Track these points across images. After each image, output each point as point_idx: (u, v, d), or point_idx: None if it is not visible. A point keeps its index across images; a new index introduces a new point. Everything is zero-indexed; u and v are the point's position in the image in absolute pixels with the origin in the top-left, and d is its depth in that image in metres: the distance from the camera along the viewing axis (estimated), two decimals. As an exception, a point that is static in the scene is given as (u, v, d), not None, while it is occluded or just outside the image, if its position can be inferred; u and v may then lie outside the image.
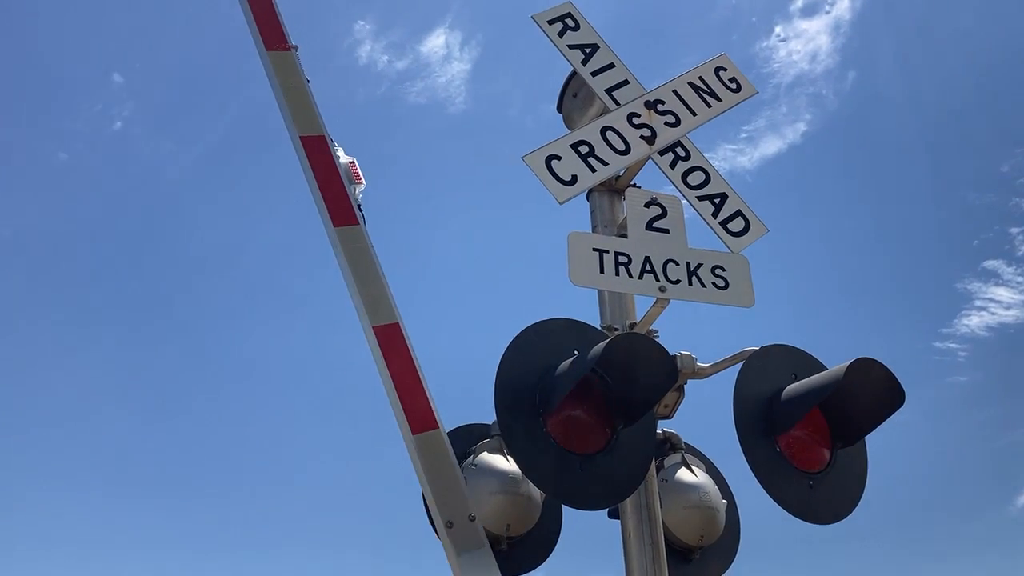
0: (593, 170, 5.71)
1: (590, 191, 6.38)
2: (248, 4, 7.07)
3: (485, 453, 5.74)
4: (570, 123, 7.10)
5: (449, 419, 6.30)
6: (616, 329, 5.82)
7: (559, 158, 5.62)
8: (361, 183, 6.98)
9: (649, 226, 5.67)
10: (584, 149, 5.75)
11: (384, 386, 6.25)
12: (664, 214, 5.75)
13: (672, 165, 6.27)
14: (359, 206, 6.84)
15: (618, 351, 4.71)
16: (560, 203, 5.54)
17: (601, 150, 5.81)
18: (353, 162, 7.03)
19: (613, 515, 5.61)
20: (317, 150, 6.81)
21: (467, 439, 6.19)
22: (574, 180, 5.60)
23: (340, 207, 6.70)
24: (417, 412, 6.16)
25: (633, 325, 5.85)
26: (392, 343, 6.38)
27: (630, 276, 5.36)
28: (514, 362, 5.10)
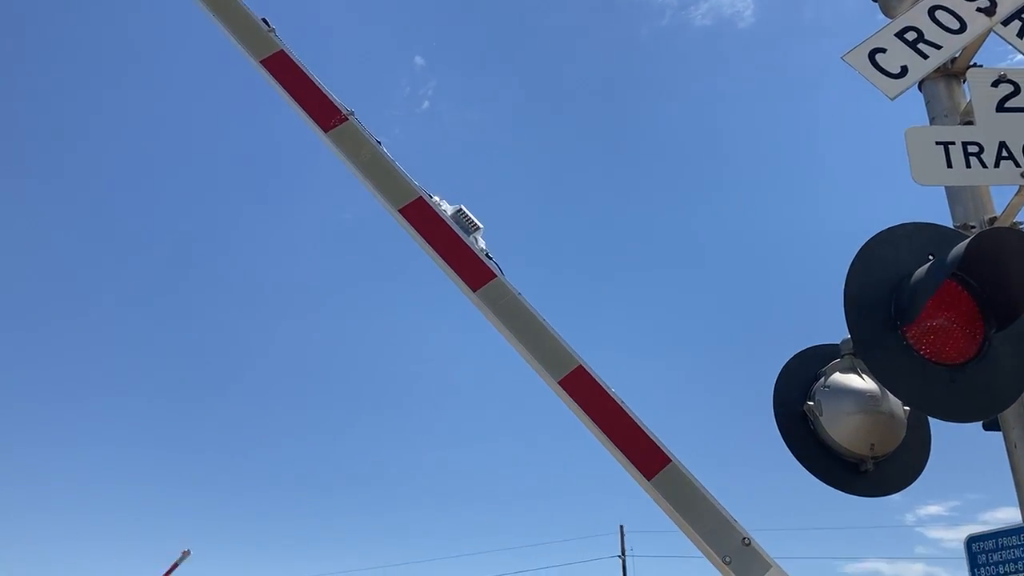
0: (925, 56, 5.33)
1: (922, 80, 5.68)
2: (288, 94, 6.31)
3: (837, 374, 5.50)
4: (889, 11, 6.25)
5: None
6: (973, 227, 5.27)
7: (884, 51, 5.28)
8: (479, 227, 6.34)
9: (1000, 107, 5.16)
10: (911, 36, 5.36)
11: (597, 439, 5.89)
12: (1017, 91, 5.20)
13: (1021, 34, 5.52)
14: (487, 255, 6.24)
15: (983, 249, 4.39)
16: (891, 99, 5.20)
17: (932, 33, 5.38)
18: (461, 209, 6.37)
19: (990, 427, 5.21)
20: (421, 217, 6.18)
21: (815, 361, 5.80)
22: (904, 71, 5.25)
23: (471, 269, 6.11)
24: (644, 455, 5.78)
25: (994, 220, 5.28)
26: (583, 389, 5.91)
27: (984, 166, 4.95)
28: (864, 274, 4.80)
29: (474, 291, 6.06)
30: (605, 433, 5.80)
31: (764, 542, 5.34)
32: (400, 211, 6.20)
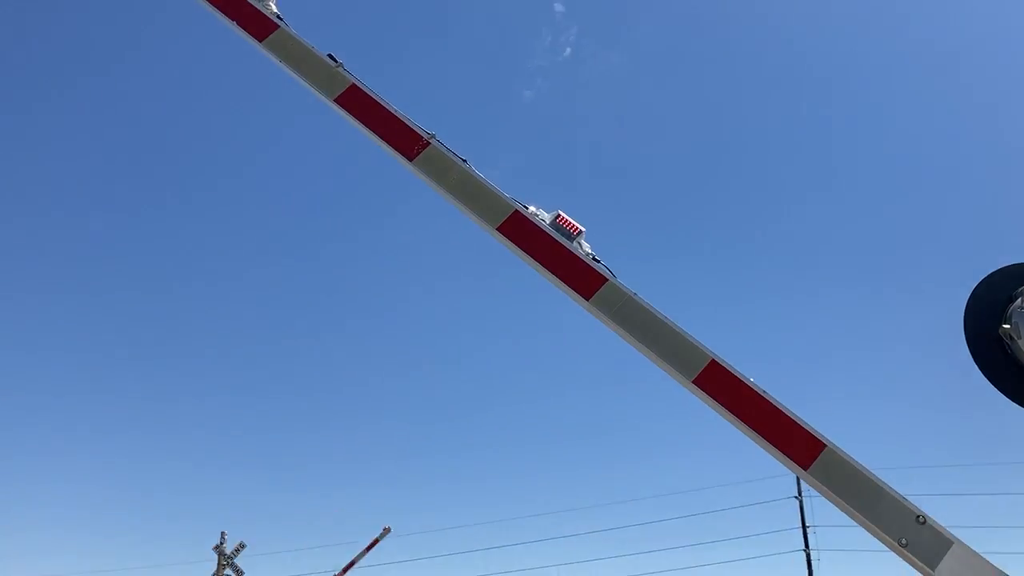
0: None
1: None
2: (367, 128, 6.15)
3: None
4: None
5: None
6: None
7: None
8: (580, 230, 6.07)
9: None
10: None
11: (744, 434, 5.55)
12: None
13: None
14: (594, 258, 5.97)
15: None
16: None
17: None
18: (559, 214, 6.12)
19: None
20: (520, 232, 5.94)
21: (1009, 282, 5.40)
22: None
23: (581, 277, 5.85)
24: (797, 445, 5.43)
25: None
26: (720, 385, 5.59)
27: None
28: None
29: (587, 299, 5.80)
30: (752, 428, 5.49)
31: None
32: (498, 229, 5.99)
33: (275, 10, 6.43)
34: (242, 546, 23.10)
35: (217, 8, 6.44)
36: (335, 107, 6.32)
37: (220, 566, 22.82)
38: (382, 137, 6.17)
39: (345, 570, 21.00)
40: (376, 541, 21.51)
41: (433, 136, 6.23)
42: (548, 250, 5.96)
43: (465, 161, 6.24)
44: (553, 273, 5.88)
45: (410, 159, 6.13)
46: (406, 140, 6.18)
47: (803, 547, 34.14)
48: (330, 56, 6.39)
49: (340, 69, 6.31)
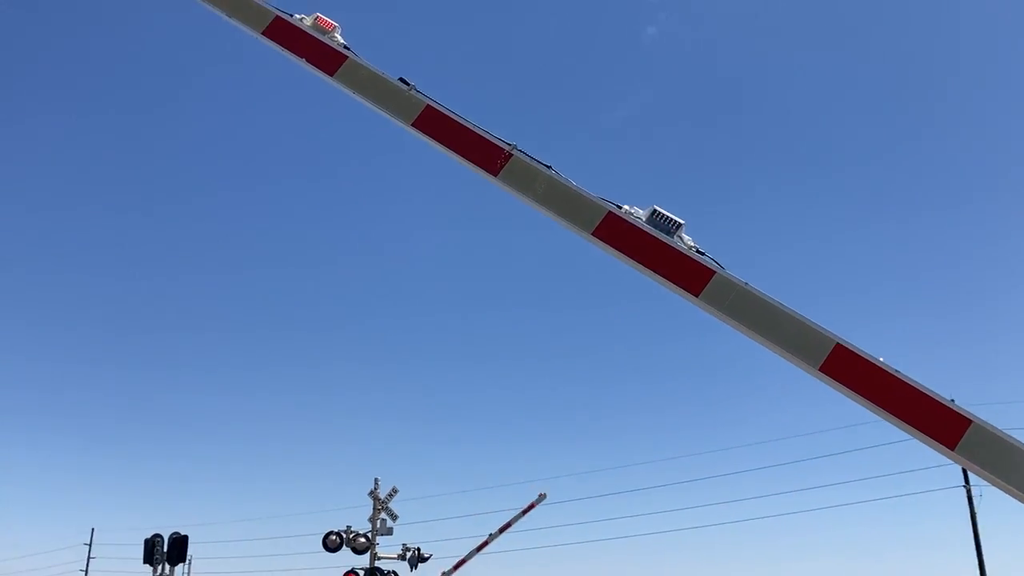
0: None
1: None
2: (447, 148, 6.02)
3: None
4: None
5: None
6: None
7: None
8: (679, 223, 5.81)
9: None
10: None
11: (882, 418, 5.30)
12: None
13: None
14: (697, 249, 5.71)
15: None
16: None
17: None
18: (655, 210, 5.86)
19: None
20: (617, 233, 5.73)
21: None
22: None
23: (687, 273, 5.64)
24: (939, 424, 5.16)
25: None
26: (849, 370, 5.33)
27: None
28: None
29: (696, 296, 5.59)
30: (888, 411, 5.24)
31: None
32: (593, 234, 5.81)
33: (341, 40, 6.30)
34: (395, 491, 24.15)
35: (285, 48, 6.38)
36: (413, 131, 6.21)
37: (376, 510, 23.92)
38: (463, 156, 6.03)
39: (501, 530, 21.72)
40: (532, 506, 22.08)
41: (514, 147, 6.01)
42: (649, 249, 5.74)
43: (549, 167, 6.01)
44: (657, 272, 5.67)
45: (494, 174, 5.97)
46: (488, 155, 6.01)
47: (963, 483, 32.68)
48: (401, 80, 6.25)
49: (413, 92, 6.17)
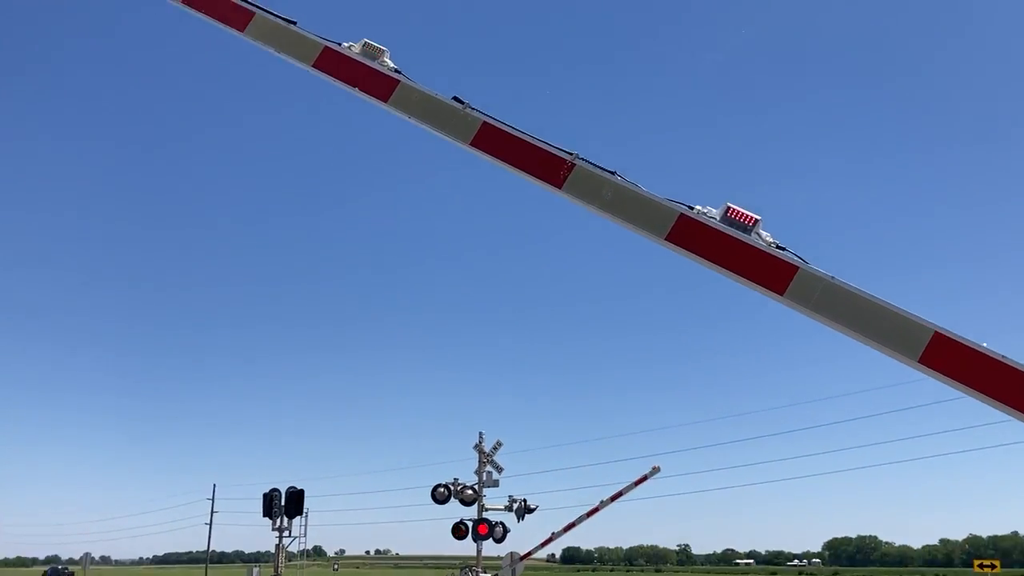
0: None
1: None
2: (508, 164, 5.90)
3: None
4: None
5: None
6: None
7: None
8: (756, 220, 5.58)
9: None
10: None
11: (992, 407, 5.08)
12: None
13: None
14: (777, 245, 5.49)
15: None
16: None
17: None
18: (728, 207, 5.63)
19: None
20: (691, 235, 5.55)
21: None
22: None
23: (769, 272, 5.45)
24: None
25: None
26: (951, 359, 5.10)
27: None
28: None
29: (781, 294, 5.40)
30: (998, 400, 5.01)
31: None
32: (667, 239, 5.64)
33: (391, 64, 6.17)
34: (499, 444, 24.61)
35: (337, 78, 6.30)
36: (471, 150, 6.08)
37: (481, 463, 24.44)
38: (525, 170, 5.89)
39: (612, 499, 21.97)
40: (645, 478, 22.22)
41: (575, 156, 5.83)
42: (726, 249, 5.55)
43: (614, 173, 5.81)
44: (737, 273, 5.48)
45: (558, 186, 5.83)
46: (550, 168, 5.85)
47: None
48: (455, 99, 6.10)
49: (468, 110, 6.02)
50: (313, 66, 6.36)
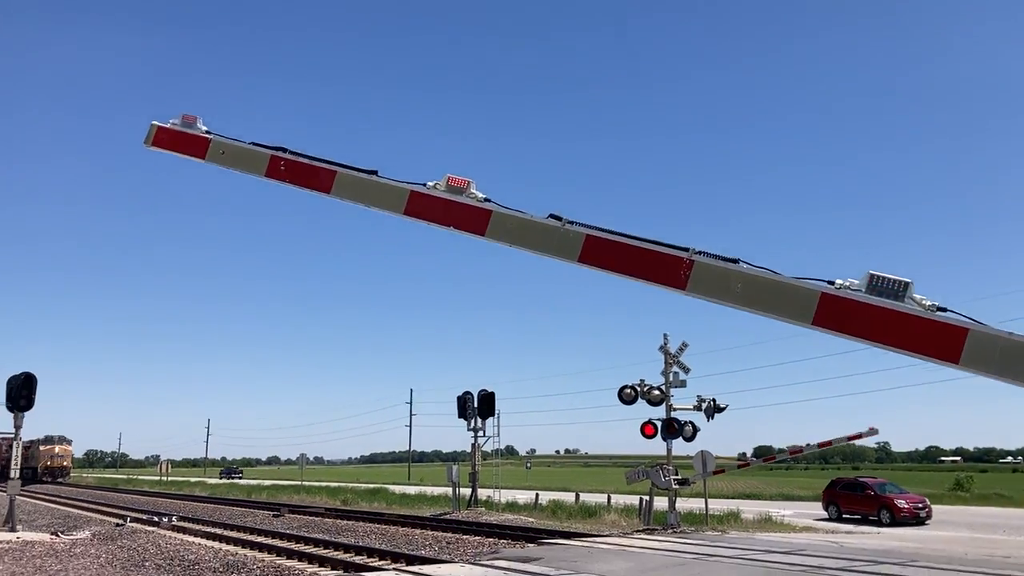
0: None
1: None
2: (628, 275, 5.60)
3: None
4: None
5: None
6: None
7: None
8: (906, 283, 5.06)
9: None
10: None
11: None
12: None
13: None
14: (938, 308, 4.96)
15: None
16: None
17: None
18: (872, 275, 5.12)
19: None
20: (840, 314, 5.12)
21: None
22: None
23: (937, 341, 5.01)
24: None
25: None
26: None
27: None
28: None
29: (957, 363, 4.92)
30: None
31: None
32: (815, 324, 5.21)
33: (480, 194, 5.89)
34: (685, 345, 24.55)
35: (432, 221, 6.09)
36: (581, 266, 5.77)
37: (667, 364, 24.52)
38: (643, 278, 5.55)
39: (820, 446, 21.64)
40: (860, 435, 21.81)
41: (692, 251, 5.40)
42: (883, 324, 5.05)
43: (737, 261, 5.34)
44: (902, 348, 5.00)
45: (682, 288, 5.45)
46: (668, 270, 5.48)
47: None
48: (552, 216, 5.77)
49: (567, 226, 5.70)
50: (404, 214, 6.16)
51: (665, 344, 25.30)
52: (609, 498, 35.01)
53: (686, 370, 25.17)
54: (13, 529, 23.32)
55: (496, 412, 33.24)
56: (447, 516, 30.22)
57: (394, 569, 15.03)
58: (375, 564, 17.62)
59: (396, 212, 6.24)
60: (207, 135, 5.67)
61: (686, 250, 5.50)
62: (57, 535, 22.59)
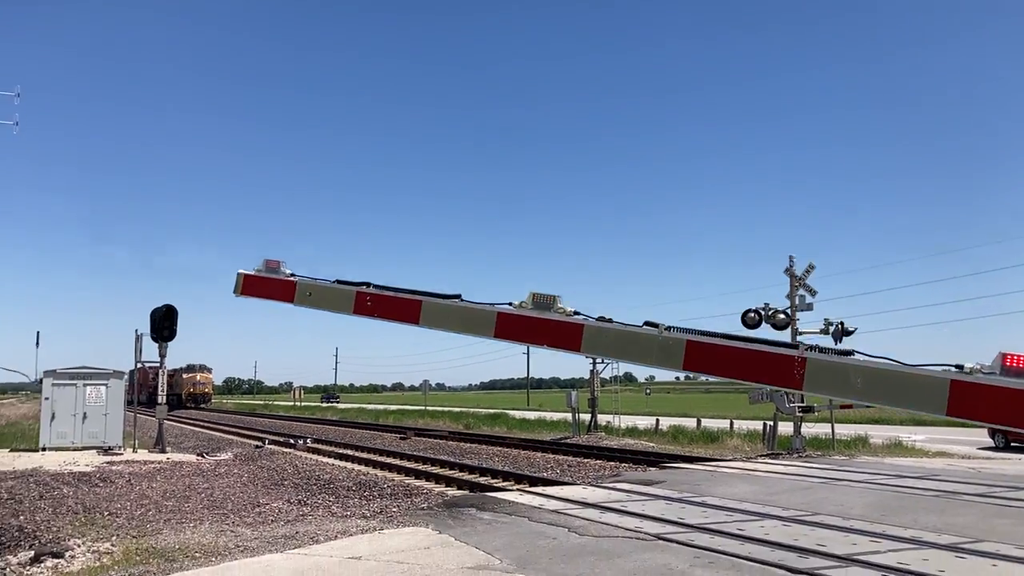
0: None
1: None
2: (741, 378, 5.15)
3: None
4: None
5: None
6: None
7: None
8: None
9: None
10: None
11: None
12: None
13: None
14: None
15: None
16: None
17: None
18: (1006, 355, 4.46)
19: None
20: (978, 400, 4.56)
21: None
22: None
23: None
24: None
25: None
26: None
27: None
28: None
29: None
30: None
31: None
32: (949, 413, 4.63)
33: (569, 308, 5.55)
34: (811, 267, 23.56)
35: (522, 341, 5.79)
36: (687, 372, 5.38)
37: (793, 287, 23.64)
38: (754, 380, 5.12)
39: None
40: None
41: (801, 346, 4.90)
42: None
43: (851, 353, 4.80)
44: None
45: (798, 387, 5.01)
46: (782, 372, 5.05)
47: None
48: (648, 324, 5.43)
49: (665, 332, 5.39)
50: (495, 336, 5.88)
51: (791, 266, 24.34)
52: (731, 423, 34.76)
53: (812, 293, 24.23)
54: (163, 451, 25.20)
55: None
56: (567, 440, 30.74)
57: (517, 489, 15.36)
58: (499, 484, 18.16)
59: (487, 336, 6.02)
60: (292, 279, 5.55)
61: (795, 347, 4.99)
62: (202, 456, 24.27)
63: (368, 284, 5.54)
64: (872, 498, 12.68)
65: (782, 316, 23.50)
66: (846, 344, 22.97)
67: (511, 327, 5.97)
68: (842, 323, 22.82)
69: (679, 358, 5.53)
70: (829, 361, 5.05)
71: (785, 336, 23.50)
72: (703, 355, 5.46)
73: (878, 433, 30.00)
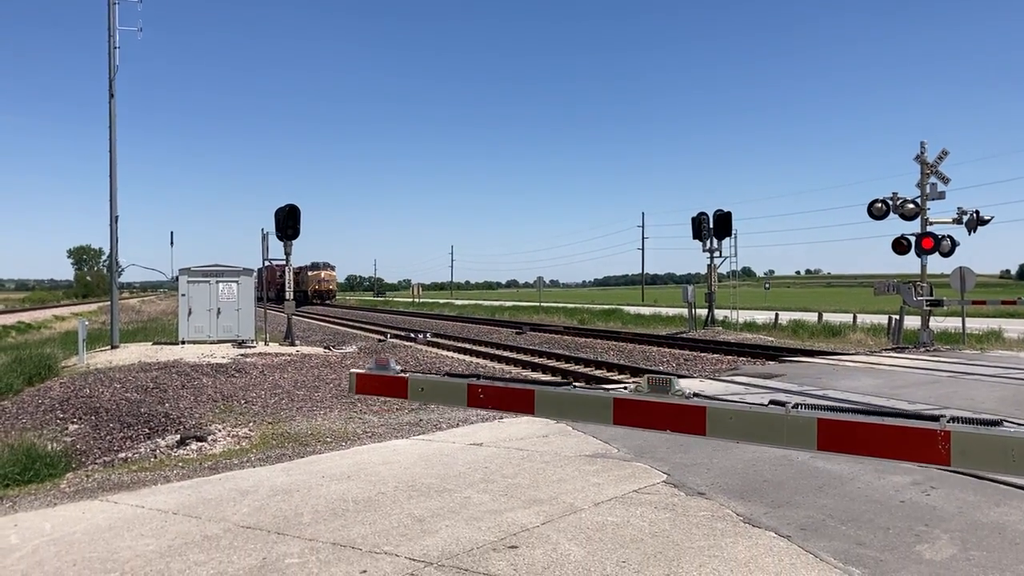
0: None
1: None
2: (877, 456, 4.79)
3: None
4: None
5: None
6: None
7: None
8: None
9: None
10: None
11: None
12: None
13: None
14: None
15: None
16: None
17: None
18: None
19: None
20: None
21: None
22: None
23: None
24: None
25: None
26: None
27: None
28: None
29: None
30: None
31: None
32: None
33: (690, 391, 5.23)
34: (944, 154, 22.26)
35: (646, 427, 5.44)
36: (819, 453, 5.04)
37: (923, 175, 22.44)
38: (896, 458, 4.73)
39: None
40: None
41: (942, 419, 4.51)
42: None
43: (999, 423, 4.39)
44: None
45: (946, 464, 4.62)
46: (924, 447, 4.58)
47: None
48: (774, 403, 5.02)
49: (792, 412, 4.85)
50: (614, 423, 5.69)
51: (922, 153, 22.99)
52: (855, 317, 33.64)
53: (945, 180, 22.89)
54: (293, 343, 26.65)
55: (733, 232, 32.31)
56: (683, 335, 30.58)
57: (634, 383, 15.52)
58: (615, 378, 18.46)
59: (605, 423, 5.83)
60: (403, 375, 5.49)
61: (936, 420, 4.63)
62: (329, 349, 25.49)
63: (478, 376, 5.49)
64: (1004, 392, 12.24)
65: (911, 206, 22.39)
66: (980, 233, 21.67)
67: (629, 412, 5.87)
68: (977, 212, 21.56)
69: (812, 438, 5.24)
70: (974, 434, 4.60)
71: (913, 227, 22.40)
72: (838, 433, 5.14)
73: (1013, 327, 28.58)
